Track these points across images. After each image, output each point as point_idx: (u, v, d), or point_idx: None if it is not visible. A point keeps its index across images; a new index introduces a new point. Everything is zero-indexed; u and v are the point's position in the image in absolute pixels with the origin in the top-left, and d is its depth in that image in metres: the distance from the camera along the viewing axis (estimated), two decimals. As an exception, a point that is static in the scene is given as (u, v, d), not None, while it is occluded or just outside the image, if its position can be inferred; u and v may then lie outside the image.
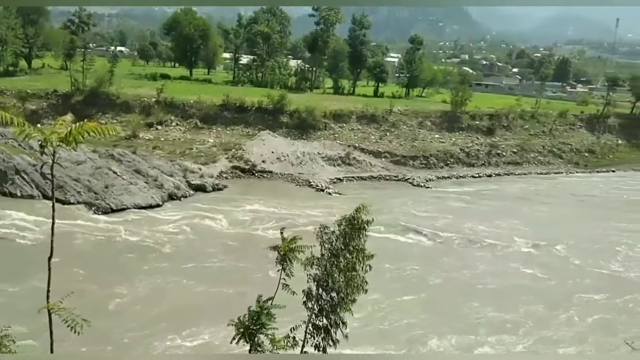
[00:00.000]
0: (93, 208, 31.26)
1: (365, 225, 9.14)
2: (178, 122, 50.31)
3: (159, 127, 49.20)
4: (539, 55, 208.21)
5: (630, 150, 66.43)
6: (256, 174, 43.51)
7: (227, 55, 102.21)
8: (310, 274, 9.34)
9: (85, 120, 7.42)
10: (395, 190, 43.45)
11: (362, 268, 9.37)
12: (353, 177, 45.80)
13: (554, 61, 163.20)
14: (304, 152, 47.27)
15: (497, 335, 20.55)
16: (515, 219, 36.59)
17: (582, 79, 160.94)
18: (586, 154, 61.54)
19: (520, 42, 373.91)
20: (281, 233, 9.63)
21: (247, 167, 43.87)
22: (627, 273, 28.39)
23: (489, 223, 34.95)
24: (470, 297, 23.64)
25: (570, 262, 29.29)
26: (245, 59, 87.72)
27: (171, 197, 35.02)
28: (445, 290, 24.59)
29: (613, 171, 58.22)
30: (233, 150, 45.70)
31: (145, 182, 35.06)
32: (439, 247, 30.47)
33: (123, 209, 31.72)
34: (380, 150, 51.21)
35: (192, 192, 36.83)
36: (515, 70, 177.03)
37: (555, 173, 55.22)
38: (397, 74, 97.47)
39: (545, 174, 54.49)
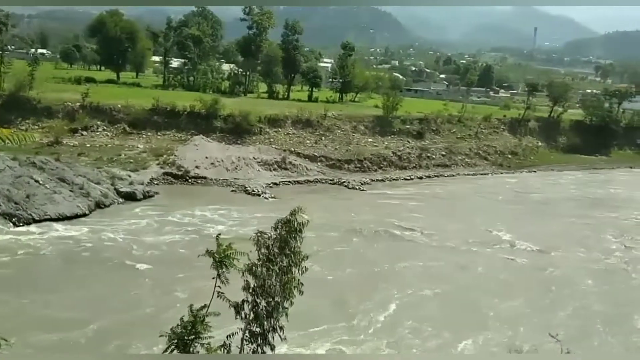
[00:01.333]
0: (14, 219, 29.30)
1: (301, 227, 9.13)
2: (105, 128, 48.31)
3: (85, 132, 47.03)
4: (464, 62, 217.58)
5: (549, 152, 70.72)
6: (189, 180, 42.49)
7: (156, 58, 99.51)
8: (246, 280, 9.20)
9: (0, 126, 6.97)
10: (331, 193, 43.86)
11: (299, 270, 9.34)
12: (289, 181, 45.78)
13: (478, 68, 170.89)
14: (239, 157, 46.73)
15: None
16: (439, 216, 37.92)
17: (504, 84, 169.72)
18: (509, 156, 64.80)
19: (447, 49, 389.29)
20: (217, 239, 9.39)
21: (179, 173, 42.73)
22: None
23: (417, 221, 35.96)
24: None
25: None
26: (176, 63, 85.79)
27: (98, 205, 33.48)
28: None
29: (534, 171, 61.64)
30: (164, 155, 44.42)
31: (71, 191, 33.28)
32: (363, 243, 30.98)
33: (46, 219, 29.93)
34: (316, 154, 51.54)
35: (121, 200, 35.39)
36: (442, 76, 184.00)
37: (482, 174, 57.75)
38: (330, 79, 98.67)
39: (472, 175, 56.89)
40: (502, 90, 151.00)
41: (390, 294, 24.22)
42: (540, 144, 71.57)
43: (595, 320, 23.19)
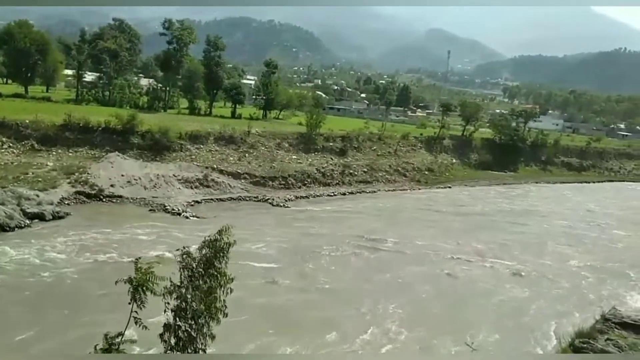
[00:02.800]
0: None
1: (227, 247, 8.90)
2: (11, 144, 44.92)
3: (-13, 149, 43.47)
4: (383, 82, 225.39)
5: (462, 168, 74.47)
6: (104, 199, 40.40)
7: (69, 72, 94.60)
8: (168, 303, 8.79)
9: None
10: (254, 210, 43.39)
11: (224, 292, 9.07)
12: (212, 199, 44.80)
13: (396, 88, 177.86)
14: (158, 175, 45.14)
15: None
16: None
17: (420, 104, 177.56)
18: (426, 172, 67.48)
19: (367, 69, 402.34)
20: (135, 263, 8.90)
21: (93, 192, 40.51)
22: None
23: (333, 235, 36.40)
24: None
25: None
26: (90, 77, 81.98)
27: (3, 228, 30.93)
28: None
29: (449, 187, 64.52)
30: (76, 174, 41.97)
31: (-31, 212, 30.55)
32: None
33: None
34: (239, 171, 50.91)
35: (27, 221, 32.92)
36: (363, 95, 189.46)
37: (401, 190, 59.63)
38: (254, 96, 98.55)
39: (392, 190, 58.59)
40: (419, 110, 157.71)
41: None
42: (454, 160, 75.23)
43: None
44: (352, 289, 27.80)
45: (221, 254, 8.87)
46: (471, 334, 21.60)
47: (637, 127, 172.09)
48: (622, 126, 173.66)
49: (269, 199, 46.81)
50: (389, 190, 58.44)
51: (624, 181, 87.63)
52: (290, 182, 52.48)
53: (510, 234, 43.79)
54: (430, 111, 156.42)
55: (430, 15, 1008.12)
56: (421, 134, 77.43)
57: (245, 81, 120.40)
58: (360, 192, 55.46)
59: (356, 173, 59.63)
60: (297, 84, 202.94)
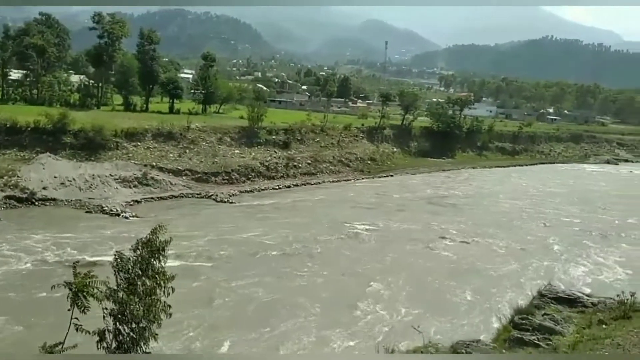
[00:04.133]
0: None
1: (164, 246, 8.60)
2: None
3: None
4: (323, 74, 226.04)
5: (403, 157, 76.02)
6: (36, 203, 38.40)
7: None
8: (104, 308, 8.42)
9: None
10: (198, 207, 42.56)
11: (164, 292, 8.78)
12: (152, 197, 43.54)
13: (336, 79, 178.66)
14: (93, 175, 43.36)
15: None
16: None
17: (361, 95, 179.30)
18: (369, 162, 68.44)
19: (307, 61, 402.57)
20: (74, 268, 8.45)
21: (24, 195, 38.41)
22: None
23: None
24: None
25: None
26: (16, 74, 77.32)
27: None
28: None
29: (391, 175, 65.71)
30: (5, 177, 39.62)
31: None
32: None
33: None
34: (180, 168, 49.70)
35: (-49, 230, 30.80)
36: (304, 87, 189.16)
37: (345, 180, 60.18)
38: (192, 91, 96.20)
39: (336, 181, 59.04)
40: (360, 101, 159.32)
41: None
42: (395, 149, 76.67)
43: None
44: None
45: (158, 254, 8.57)
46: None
47: (565, 112, 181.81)
48: (551, 111, 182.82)
49: (212, 195, 46.02)
50: (333, 181, 58.86)
51: (554, 163, 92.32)
52: (234, 177, 51.81)
53: (478, 215, 46.93)
54: (371, 102, 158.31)
55: (367, 7, 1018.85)
56: (363, 125, 78.30)
57: (182, 75, 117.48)
58: (305, 184, 55.55)
59: (300, 165, 59.63)
60: (237, 77, 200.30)
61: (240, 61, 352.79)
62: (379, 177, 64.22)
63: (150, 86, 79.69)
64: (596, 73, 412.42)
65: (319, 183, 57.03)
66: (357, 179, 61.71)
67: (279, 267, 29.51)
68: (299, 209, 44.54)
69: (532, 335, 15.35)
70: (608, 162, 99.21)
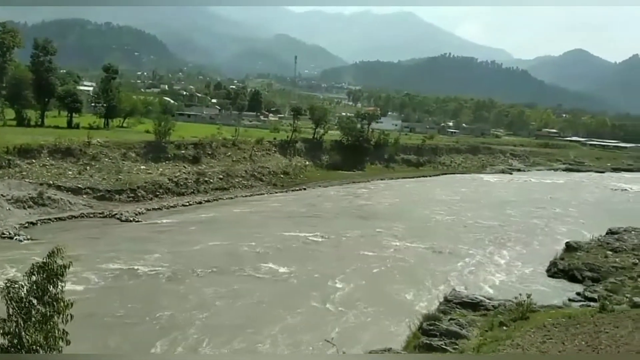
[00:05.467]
0: None
1: (63, 271, 8.00)
2: None
3: None
4: (234, 87, 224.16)
5: (315, 170, 77.01)
6: None
7: None
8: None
9: None
10: (100, 228, 40.22)
11: (63, 319, 8.16)
12: (50, 218, 40.52)
13: (247, 93, 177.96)
14: (-19, 196, 39.61)
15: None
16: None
17: (272, 108, 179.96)
18: (282, 175, 68.57)
19: (216, 74, 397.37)
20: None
21: None
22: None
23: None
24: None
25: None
26: None
27: None
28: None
29: (304, 189, 66.25)
30: None
31: None
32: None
33: None
34: (80, 186, 46.75)
35: None
36: (214, 100, 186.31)
37: (258, 194, 59.75)
38: (93, 104, 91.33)
39: (249, 195, 58.45)
40: (271, 114, 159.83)
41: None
42: (307, 163, 77.51)
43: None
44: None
45: (55, 279, 7.96)
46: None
47: (464, 125, 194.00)
48: (451, 124, 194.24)
49: (116, 214, 43.70)
50: (246, 196, 58.16)
51: (455, 173, 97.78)
52: (140, 194, 49.59)
53: (410, 221, 50.04)
54: (282, 115, 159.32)
55: (276, 21, 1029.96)
56: (275, 138, 78.41)
57: (82, 88, 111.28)
58: (217, 200, 54.39)
59: (212, 180, 58.39)
60: (142, 90, 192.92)
61: (145, 73, 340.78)
62: (293, 190, 64.48)
63: (46, 99, 74.66)
64: (490, 88, 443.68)
65: (232, 198, 56.11)
66: (271, 193, 61.51)
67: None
68: (214, 227, 43.47)
69: (440, 340, 16.08)
70: (503, 171, 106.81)
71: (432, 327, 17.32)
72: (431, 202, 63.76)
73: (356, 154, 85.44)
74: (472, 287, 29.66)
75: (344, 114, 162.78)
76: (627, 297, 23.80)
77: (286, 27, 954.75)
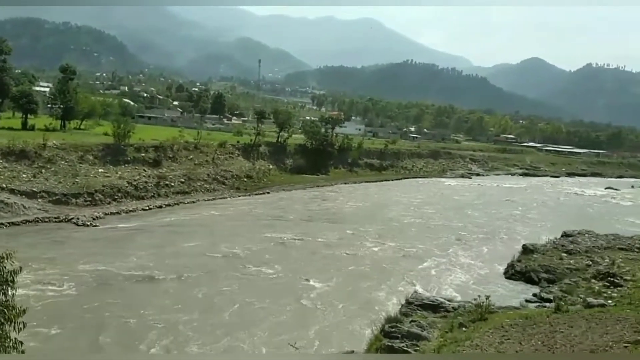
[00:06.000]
0: None
1: (13, 276, 7.68)
2: None
3: None
4: (196, 89, 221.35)
5: (279, 174, 76.76)
6: None
7: None
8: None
9: None
10: (55, 232, 38.91)
11: (15, 327, 7.82)
12: (2, 223, 38.94)
13: (210, 95, 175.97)
14: None
15: None
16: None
17: (235, 112, 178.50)
18: (245, 179, 68.02)
19: (177, 76, 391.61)
20: None
21: None
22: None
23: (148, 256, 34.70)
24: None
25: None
26: None
27: None
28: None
29: (268, 192, 65.91)
30: None
31: None
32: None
33: None
34: (34, 190, 45.12)
35: None
36: (176, 103, 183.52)
37: (221, 198, 59.08)
38: (49, 105, 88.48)
39: (211, 199, 57.72)
40: (234, 118, 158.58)
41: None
42: (271, 166, 77.19)
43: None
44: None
45: (5, 285, 7.64)
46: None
47: (425, 130, 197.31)
48: (413, 129, 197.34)
49: (72, 218, 42.36)
50: (208, 200, 57.39)
51: (416, 177, 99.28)
52: (97, 198, 48.24)
53: (379, 223, 51.03)
54: (246, 118, 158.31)
55: (238, 24, 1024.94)
56: (238, 142, 77.79)
57: (38, 88, 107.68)
58: (178, 204, 53.41)
59: (173, 184, 57.37)
60: (101, 91, 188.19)
61: (105, 74, 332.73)
62: (257, 194, 64.06)
63: (0, 100, 71.93)
64: (451, 95, 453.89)
65: (194, 202, 55.23)
66: (234, 197, 60.91)
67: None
68: (183, 230, 42.68)
69: (402, 342, 16.27)
70: (463, 176, 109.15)
71: (393, 329, 17.48)
72: (397, 204, 64.67)
73: (320, 158, 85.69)
74: (435, 288, 30.21)
75: (308, 118, 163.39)
76: (580, 298, 24.61)
77: (249, 30, 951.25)
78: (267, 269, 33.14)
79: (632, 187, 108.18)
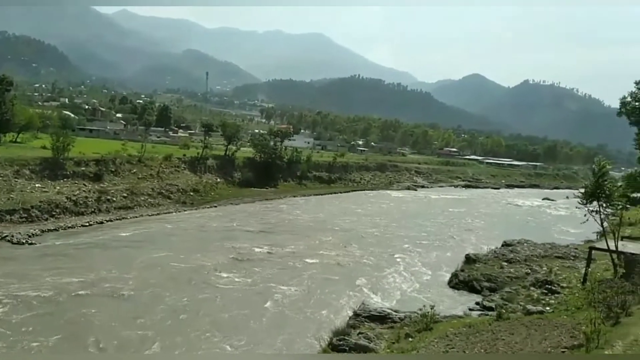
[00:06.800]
0: None
1: None
2: None
3: None
4: (141, 101, 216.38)
5: (227, 187, 75.80)
6: None
7: None
8: None
9: None
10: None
11: None
12: None
13: (155, 108, 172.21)
14: None
15: None
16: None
17: (182, 124, 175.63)
18: (192, 193, 66.69)
19: (122, 88, 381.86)
20: None
21: None
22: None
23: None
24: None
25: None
26: None
27: None
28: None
29: (215, 206, 64.81)
30: None
31: None
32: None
33: None
34: (-37, 206, 42.51)
35: None
36: (119, 115, 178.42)
37: (166, 213, 57.54)
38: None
39: (156, 214, 56.12)
40: (181, 130, 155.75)
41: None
42: (219, 180, 76.15)
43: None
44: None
45: None
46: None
47: (372, 143, 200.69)
48: (360, 143, 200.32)
49: (6, 235, 40.09)
50: (153, 215, 55.71)
51: (364, 190, 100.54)
52: (34, 214, 45.91)
53: (336, 233, 51.86)
54: (193, 131, 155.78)
55: (185, 36, 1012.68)
56: (184, 155, 76.32)
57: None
58: (120, 219, 51.54)
59: (115, 199, 55.44)
60: (39, 103, 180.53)
61: (44, 85, 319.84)
62: (204, 208, 62.86)
63: None
64: (397, 109, 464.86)
65: (137, 217, 53.45)
66: (179, 211, 59.49)
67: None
68: (127, 246, 41.14)
69: (349, 354, 16.33)
70: (409, 188, 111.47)
71: (341, 342, 17.49)
72: (351, 215, 65.49)
73: (269, 171, 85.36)
74: (385, 298, 30.58)
75: (257, 131, 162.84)
76: (521, 305, 25.50)
77: (196, 43, 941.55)
78: (237, 278, 33.36)
79: (567, 197, 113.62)
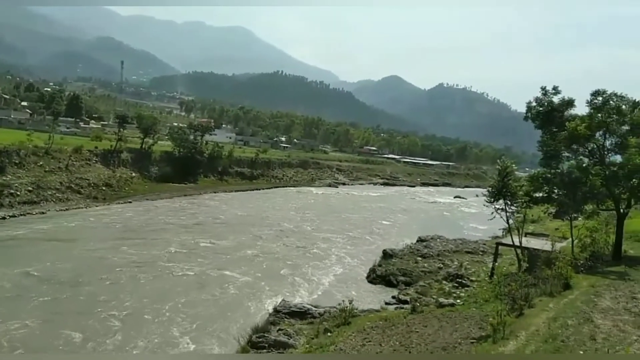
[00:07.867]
0: None
1: None
2: None
3: None
4: (49, 89, 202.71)
5: (143, 182, 72.92)
6: None
7: None
8: None
9: None
10: None
11: None
12: None
13: (65, 97, 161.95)
14: None
15: None
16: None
17: (94, 115, 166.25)
18: (104, 188, 63.52)
19: (28, 75, 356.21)
20: None
21: None
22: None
23: None
24: None
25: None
26: None
27: None
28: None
29: (130, 202, 62.12)
30: None
31: None
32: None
33: None
34: None
35: None
36: (25, 104, 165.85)
37: (76, 208, 54.33)
38: None
39: (65, 210, 52.86)
40: (93, 121, 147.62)
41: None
42: (134, 174, 73.05)
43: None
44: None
45: None
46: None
47: (295, 140, 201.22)
48: (283, 139, 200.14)
49: None
50: (61, 210, 52.43)
51: (287, 186, 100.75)
52: None
53: (265, 228, 51.73)
54: (106, 123, 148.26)
55: (98, 22, 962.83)
56: (96, 147, 72.41)
57: None
58: (24, 214, 48.08)
59: (19, 193, 51.59)
60: None
61: None
62: (117, 203, 60.04)
63: None
64: (319, 107, 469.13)
65: (43, 212, 50.11)
66: (90, 207, 56.42)
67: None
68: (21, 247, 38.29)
69: (268, 352, 16.29)
70: (330, 185, 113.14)
71: (260, 339, 17.41)
72: (279, 211, 66.08)
73: (188, 166, 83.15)
74: (306, 293, 30.75)
75: (175, 124, 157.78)
76: (434, 298, 26.68)
77: (110, 29, 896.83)
78: (182, 269, 33.19)
79: (477, 196, 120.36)
